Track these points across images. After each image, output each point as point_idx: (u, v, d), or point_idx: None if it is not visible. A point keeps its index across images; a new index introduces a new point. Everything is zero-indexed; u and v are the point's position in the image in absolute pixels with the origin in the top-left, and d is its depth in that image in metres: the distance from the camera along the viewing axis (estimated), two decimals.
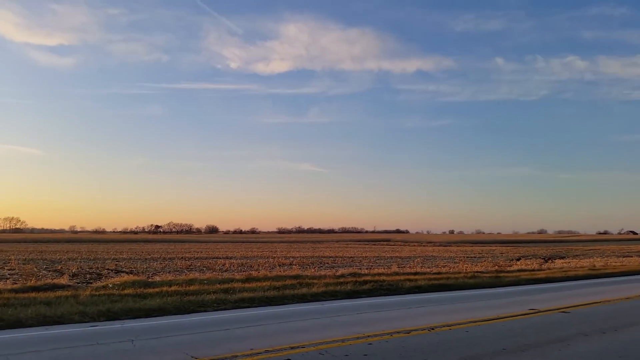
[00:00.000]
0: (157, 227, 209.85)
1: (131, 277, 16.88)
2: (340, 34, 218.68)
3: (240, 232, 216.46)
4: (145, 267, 28.17)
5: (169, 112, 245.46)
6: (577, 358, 6.54)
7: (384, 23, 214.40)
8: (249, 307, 11.93)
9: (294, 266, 28.48)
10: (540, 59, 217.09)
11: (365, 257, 45.86)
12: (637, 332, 8.54)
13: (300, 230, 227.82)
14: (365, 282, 16.87)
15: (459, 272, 22.62)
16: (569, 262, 35.89)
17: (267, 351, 6.93)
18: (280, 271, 22.39)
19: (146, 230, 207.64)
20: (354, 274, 19.79)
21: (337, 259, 41.74)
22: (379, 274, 20.27)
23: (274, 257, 40.48)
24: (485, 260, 39.24)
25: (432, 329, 8.88)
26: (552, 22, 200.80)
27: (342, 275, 19.13)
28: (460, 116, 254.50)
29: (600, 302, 12.99)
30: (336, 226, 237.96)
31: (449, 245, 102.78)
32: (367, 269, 25.55)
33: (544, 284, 19.47)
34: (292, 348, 7.12)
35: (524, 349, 7.09)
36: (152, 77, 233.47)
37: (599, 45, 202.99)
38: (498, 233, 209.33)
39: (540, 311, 11.19)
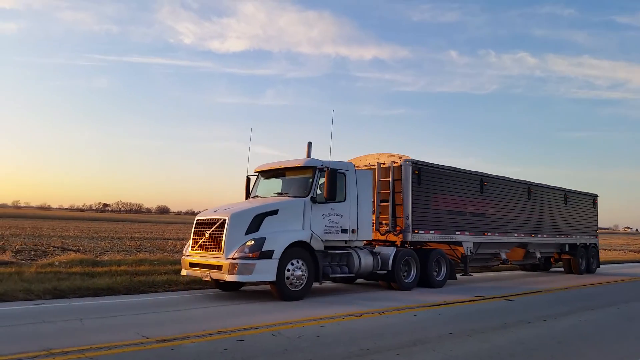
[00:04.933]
0: (105, 205, 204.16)
1: (79, 256, 16.41)
2: (298, 15, 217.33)
3: (193, 213, 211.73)
4: (93, 245, 27.37)
5: (118, 86, 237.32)
6: (519, 343, 6.86)
7: (342, 7, 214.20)
8: (202, 289, 11.83)
9: None
10: (492, 53, 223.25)
11: None
12: (574, 319, 9.02)
13: None
14: None
15: None
16: None
17: (219, 332, 6.92)
18: None
19: (94, 208, 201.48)
20: None
21: None
22: None
23: None
24: None
25: (383, 312, 9.10)
26: (505, 18, 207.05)
27: None
28: (414, 106, 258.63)
29: (541, 291, 13.61)
30: None
31: None
32: None
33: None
34: (245, 329, 7.14)
35: (469, 333, 7.38)
36: (100, 49, 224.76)
37: (549, 43, 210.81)
38: None
39: (485, 298, 11.63)
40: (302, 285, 10.42)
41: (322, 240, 11.06)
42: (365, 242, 12.77)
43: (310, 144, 12.22)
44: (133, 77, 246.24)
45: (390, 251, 12.56)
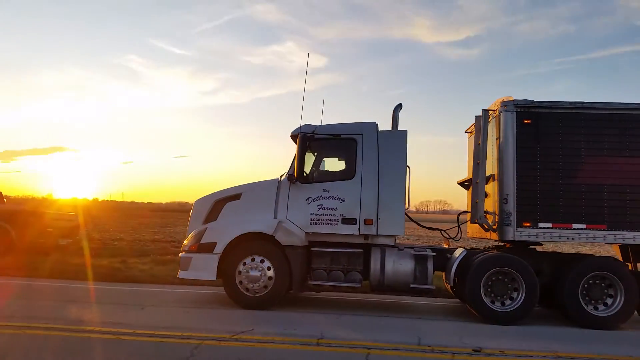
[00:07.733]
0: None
1: None
2: None
3: None
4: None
5: (580, 87, 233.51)
6: None
7: None
8: None
9: None
10: None
11: None
12: None
13: None
14: None
15: None
16: None
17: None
18: None
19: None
20: None
21: None
22: None
23: None
24: None
25: None
26: None
27: None
28: None
29: None
30: None
31: None
32: None
33: None
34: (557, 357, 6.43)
35: None
36: (557, 52, 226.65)
37: None
38: None
39: None
40: (264, 290, 8.11)
41: (306, 232, 8.35)
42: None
43: (398, 107, 8.77)
44: (593, 73, 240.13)
45: (455, 255, 8.31)
